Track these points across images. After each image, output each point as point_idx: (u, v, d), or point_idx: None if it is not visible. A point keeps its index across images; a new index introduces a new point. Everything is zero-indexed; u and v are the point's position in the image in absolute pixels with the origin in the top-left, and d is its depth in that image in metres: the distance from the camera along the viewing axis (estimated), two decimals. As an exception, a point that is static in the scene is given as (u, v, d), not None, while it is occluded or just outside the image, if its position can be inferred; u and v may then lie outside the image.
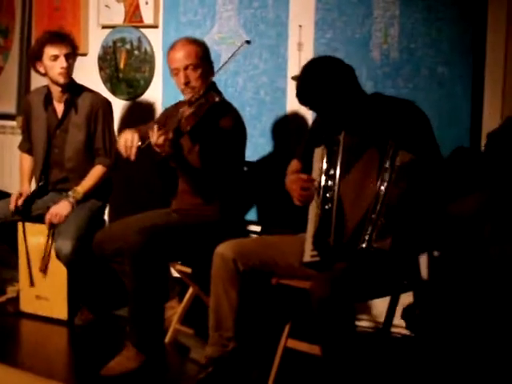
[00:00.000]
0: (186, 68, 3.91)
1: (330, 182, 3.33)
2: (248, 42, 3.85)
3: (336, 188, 3.31)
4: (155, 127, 3.62)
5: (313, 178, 3.40)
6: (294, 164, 3.73)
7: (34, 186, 4.76)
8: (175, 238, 3.91)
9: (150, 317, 3.85)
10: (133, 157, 3.67)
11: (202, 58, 3.95)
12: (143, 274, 3.76)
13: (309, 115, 4.35)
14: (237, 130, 3.99)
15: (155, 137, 3.59)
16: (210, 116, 3.85)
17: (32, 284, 4.57)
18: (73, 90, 4.60)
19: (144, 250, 3.73)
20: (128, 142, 3.66)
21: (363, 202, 3.26)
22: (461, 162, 3.85)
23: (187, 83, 3.91)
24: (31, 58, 4.60)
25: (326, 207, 3.32)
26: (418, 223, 3.36)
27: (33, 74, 5.52)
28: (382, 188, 3.21)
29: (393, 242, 3.19)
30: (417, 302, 3.71)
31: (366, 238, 3.21)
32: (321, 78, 3.28)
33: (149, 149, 3.66)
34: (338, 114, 3.34)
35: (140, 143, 3.63)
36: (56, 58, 4.45)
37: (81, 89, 4.64)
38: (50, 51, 4.45)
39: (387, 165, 3.21)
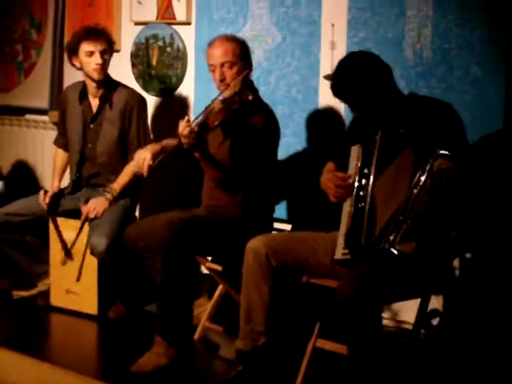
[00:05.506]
0: (222, 65, 3.94)
1: (364, 181, 3.34)
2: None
3: (370, 187, 3.31)
4: (185, 118, 3.70)
5: (349, 175, 3.41)
6: (330, 165, 3.72)
7: (68, 181, 4.80)
8: (204, 232, 3.93)
9: (180, 310, 3.86)
10: (145, 174, 3.78)
11: (239, 56, 3.97)
12: (173, 267, 3.79)
13: (341, 114, 4.35)
14: (268, 129, 4.00)
15: (182, 127, 3.67)
16: (242, 114, 3.89)
17: (78, 280, 4.59)
18: (108, 85, 4.63)
19: (173, 242, 3.77)
20: (140, 161, 3.77)
21: (393, 203, 3.24)
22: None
23: (222, 80, 3.95)
24: (68, 51, 4.63)
25: (359, 206, 3.32)
26: (447, 232, 3.32)
27: (66, 69, 5.58)
28: (415, 191, 3.19)
29: (417, 247, 3.17)
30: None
31: (391, 238, 3.20)
32: (357, 71, 3.30)
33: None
34: (372, 110, 3.35)
35: (151, 162, 3.74)
36: (91, 54, 4.48)
37: (116, 84, 4.68)
38: (85, 47, 4.49)
39: (424, 169, 3.19)
